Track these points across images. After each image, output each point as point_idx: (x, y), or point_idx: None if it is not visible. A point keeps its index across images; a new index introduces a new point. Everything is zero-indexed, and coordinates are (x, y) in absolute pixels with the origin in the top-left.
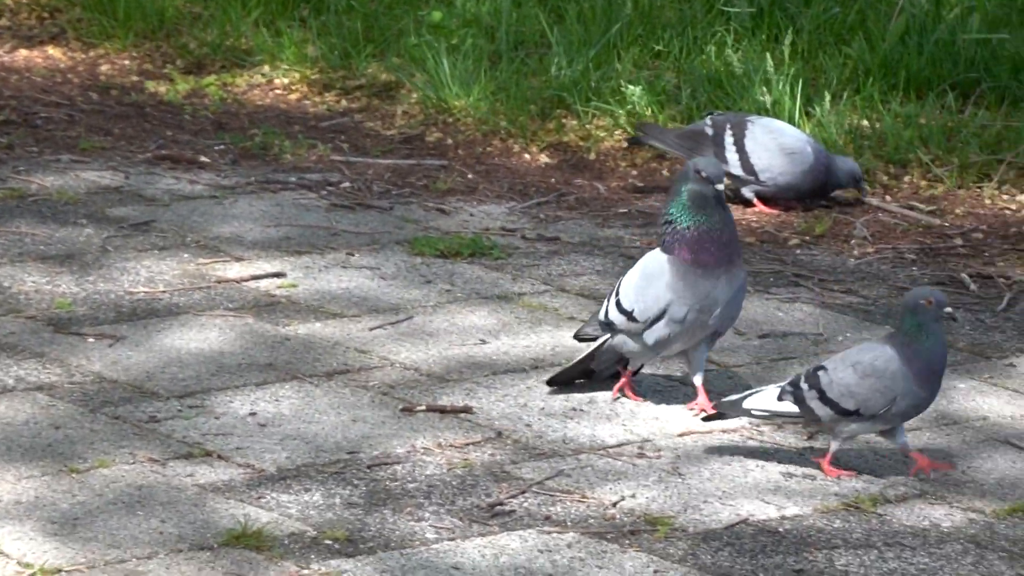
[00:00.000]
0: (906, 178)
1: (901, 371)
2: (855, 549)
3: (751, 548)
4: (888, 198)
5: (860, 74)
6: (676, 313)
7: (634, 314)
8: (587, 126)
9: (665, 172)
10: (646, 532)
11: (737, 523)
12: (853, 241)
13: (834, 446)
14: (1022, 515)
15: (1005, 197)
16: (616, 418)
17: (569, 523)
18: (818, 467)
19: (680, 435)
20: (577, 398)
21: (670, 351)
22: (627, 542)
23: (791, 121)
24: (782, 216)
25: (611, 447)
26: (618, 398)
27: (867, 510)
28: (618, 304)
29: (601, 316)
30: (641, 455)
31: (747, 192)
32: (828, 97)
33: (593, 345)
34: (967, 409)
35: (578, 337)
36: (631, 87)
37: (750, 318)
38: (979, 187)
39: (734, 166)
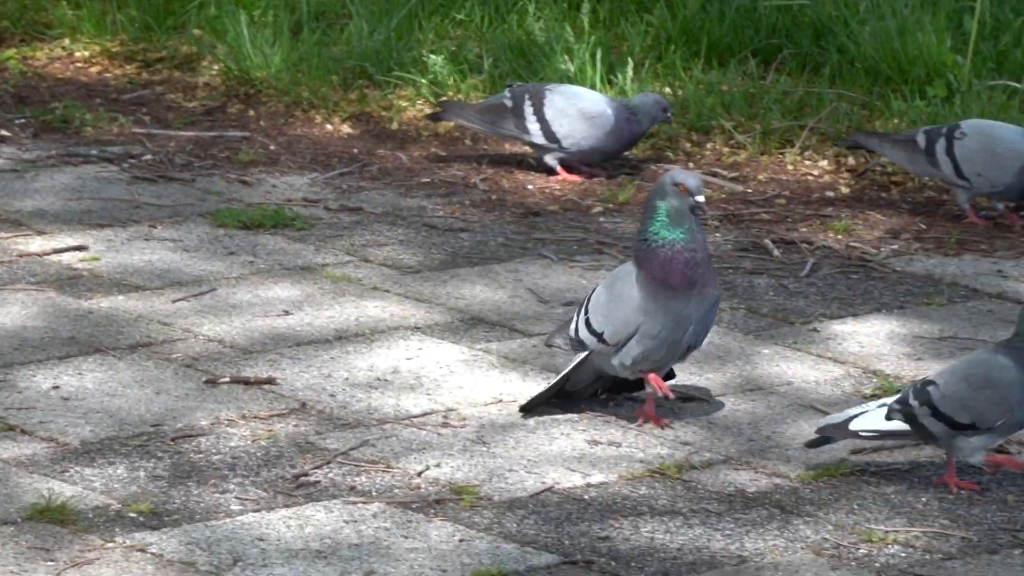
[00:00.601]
0: (709, 145)
1: (1018, 380)
2: (661, 516)
3: (556, 516)
4: (691, 165)
5: (662, 42)
6: (649, 331)
7: (604, 336)
8: (389, 96)
9: (467, 142)
10: (451, 501)
11: (542, 491)
12: None
13: (955, 459)
14: (827, 480)
15: (807, 163)
16: (420, 388)
17: (374, 493)
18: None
19: (485, 404)
20: (381, 367)
21: (652, 366)
22: (432, 511)
23: (593, 89)
24: (585, 184)
25: (416, 417)
26: (643, 425)
27: (672, 477)
28: (587, 323)
29: (571, 332)
30: (446, 424)
31: (550, 160)
32: (630, 65)
33: (571, 364)
34: (771, 375)
35: (549, 344)
36: (433, 57)
37: (553, 287)
38: (781, 153)
39: (536, 135)
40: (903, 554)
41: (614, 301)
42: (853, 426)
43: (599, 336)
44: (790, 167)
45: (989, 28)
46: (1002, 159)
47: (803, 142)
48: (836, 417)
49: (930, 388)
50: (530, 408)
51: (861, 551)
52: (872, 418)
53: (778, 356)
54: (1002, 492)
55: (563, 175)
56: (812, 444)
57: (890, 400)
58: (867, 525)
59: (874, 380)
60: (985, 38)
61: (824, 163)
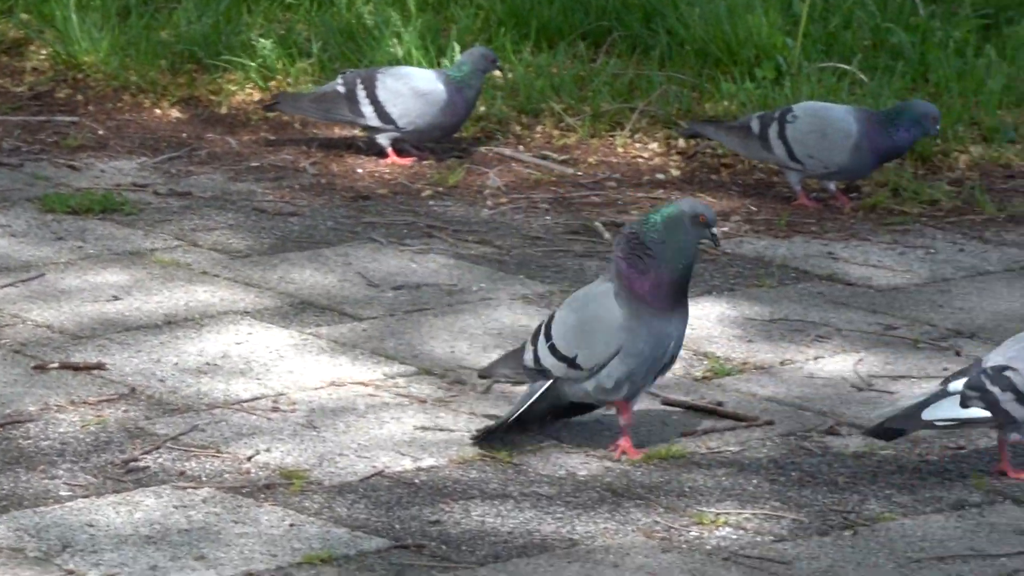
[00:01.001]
0: (539, 128)
1: None
2: (491, 499)
3: (387, 500)
4: (521, 148)
5: (491, 24)
6: (632, 350)
7: (577, 360)
8: (218, 80)
9: (297, 126)
10: (281, 486)
11: (373, 475)
12: (486, 191)
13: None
14: (657, 461)
15: (637, 145)
16: (250, 373)
17: (204, 478)
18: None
19: (315, 389)
20: (210, 351)
21: (629, 391)
22: (263, 496)
23: None
24: (415, 168)
25: (245, 401)
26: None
27: (503, 460)
28: (552, 349)
29: (528, 361)
30: (276, 409)
31: (383, 140)
32: (458, 48)
33: (533, 394)
34: None
35: (485, 375)
36: (262, 41)
37: (384, 270)
38: (611, 136)
39: (371, 118)
40: (734, 536)
41: (590, 322)
42: (927, 416)
43: (570, 361)
44: (620, 150)
45: (819, 10)
46: (833, 140)
47: (633, 125)
48: (894, 408)
49: (1008, 373)
50: (483, 439)
51: (692, 533)
52: (947, 407)
53: None
54: (832, 474)
55: (393, 159)
56: (880, 436)
57: (957, 387)
58: (698, 508)
59: (705, 362)
60: (815, 20)
61: (654, 146)
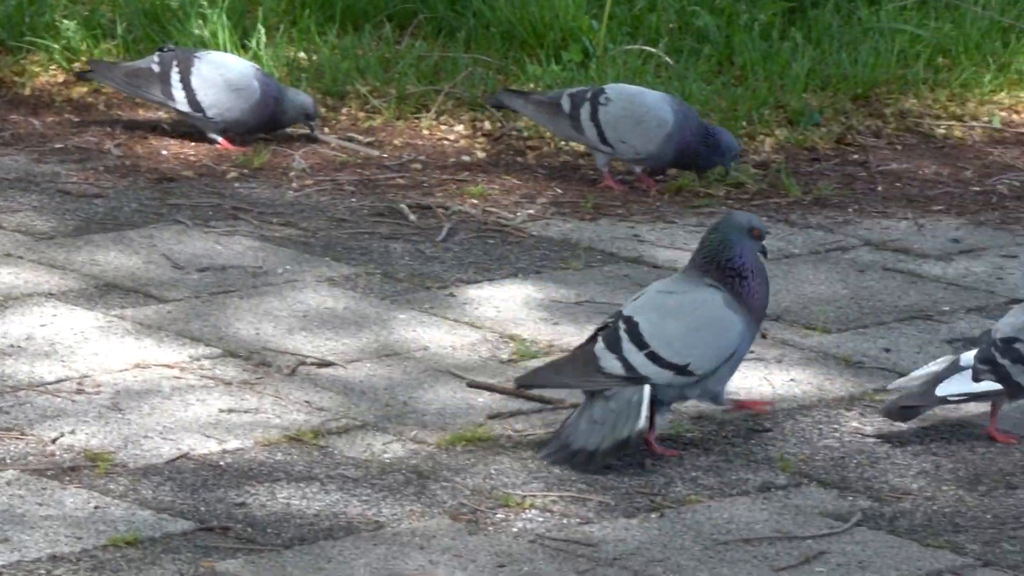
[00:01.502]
0: (344, 110)
1: None
2: (297, 481)
3: (192, 482)
4: (327, 130)
5: (296, 6)
6: (741, 354)
7: (689, 367)
8: (21, 62)
9: (102, 107)
10: (86, 468)
11: (178, 458)
12: (292, 174)
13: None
14: (464, 444)
15: (443, 127)
16: (55, 355)
17: (8, 461)
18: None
19: (120, 371)
20: (14, 333)
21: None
22: (67, 479)
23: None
24: (218, 148)
25: (50, 384)
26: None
27: (309, 442)
28: (653, 356)
29: (615, 370)
30: (80, 391)
31: (204, 128)
32: (263, 30)
33: (642, 404)
34: (408, 340)
35: (527, 385)
36: (66, 22)
37: (189, 252)
38: (417, 118)
39: (181, 103)
40: (540, 519)
41: (705, 328)
42: (940, 392)
43: (679, 368)
44: (426, 132)
45: None
46: (647, 127)
47: (439, 107)
48: (908, 387)
49: (1018, 345)
50: (597, 463)
51: (498, 516)
52: (958, 382)
53: (415, 321)
54: (639, 456)
55: (224, 145)
56: (897, 416)
57: (968, 360)
58: (504, 490)
59: (511, 344)
60: (620, 3)
61: (460, 128)
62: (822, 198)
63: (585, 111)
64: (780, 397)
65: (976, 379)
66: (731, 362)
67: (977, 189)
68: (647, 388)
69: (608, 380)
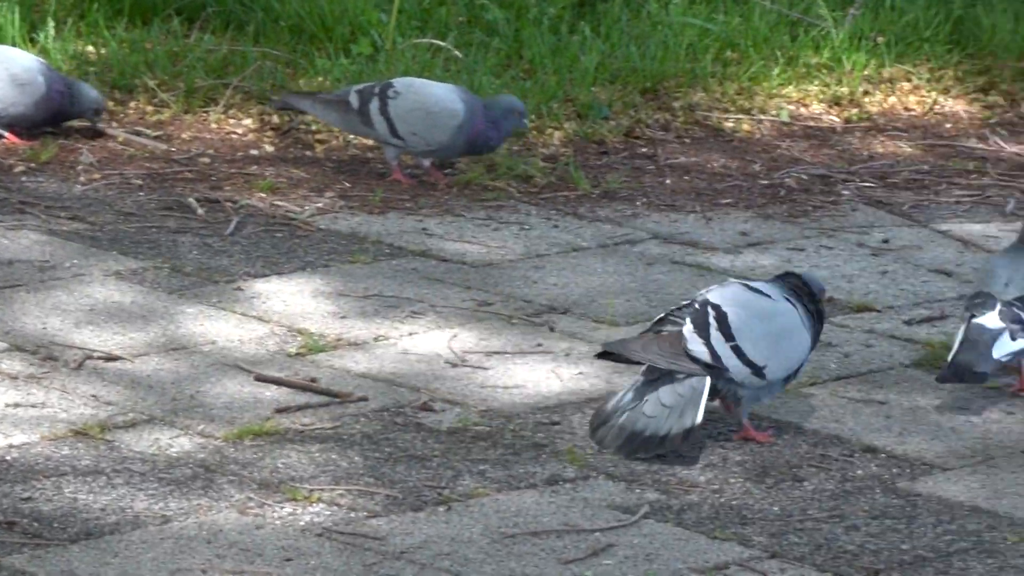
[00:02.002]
0: (132, 104)
1: None
2: (83, 476)
3: None
4: (115, 124)
5: (85, 0)
6: (799, 372)
7: (765, 370)
8: None
9: None
10: None
11: None
12: (79, 168)
13: None
14: (251, 438)
15: (231, 121)
16: None
17: None
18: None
19: None
20: None
21: None
22: None
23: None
24: (4, 142)
25: None
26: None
27: (96, 437)
28: (737, 351)
29: (700, 354)
30: None
31: None
32: (52, 24)
33: (702, 396)
34: (196, 334)
35: (611, 352)
36: None
37: None
38: (205, 112)
39: None
40: (328, 512)
41: (785, 337)
42: (997, 355)
43: (756, 368)
44: (214, 126)
45: None
46: (437, 118)
47: (227, 100)
48: (969, 354)
49: None
50: (649, 452)
51: (285, 510)
52: (1005, 344)
53: (202, 315)
54: (426, 450)
55: (11, 139)
56: (971, 379)
57: (997, 323)
58: (292, 484)
59: (299, 338)
60: None
61: (248, 122)
62: (611, 191)
63: (374, 106)
64: (568, 391)
65: (1013, 338)
66: (792, 376)
67: (765, 183)
68: (708, 379)
69: (692, 365)
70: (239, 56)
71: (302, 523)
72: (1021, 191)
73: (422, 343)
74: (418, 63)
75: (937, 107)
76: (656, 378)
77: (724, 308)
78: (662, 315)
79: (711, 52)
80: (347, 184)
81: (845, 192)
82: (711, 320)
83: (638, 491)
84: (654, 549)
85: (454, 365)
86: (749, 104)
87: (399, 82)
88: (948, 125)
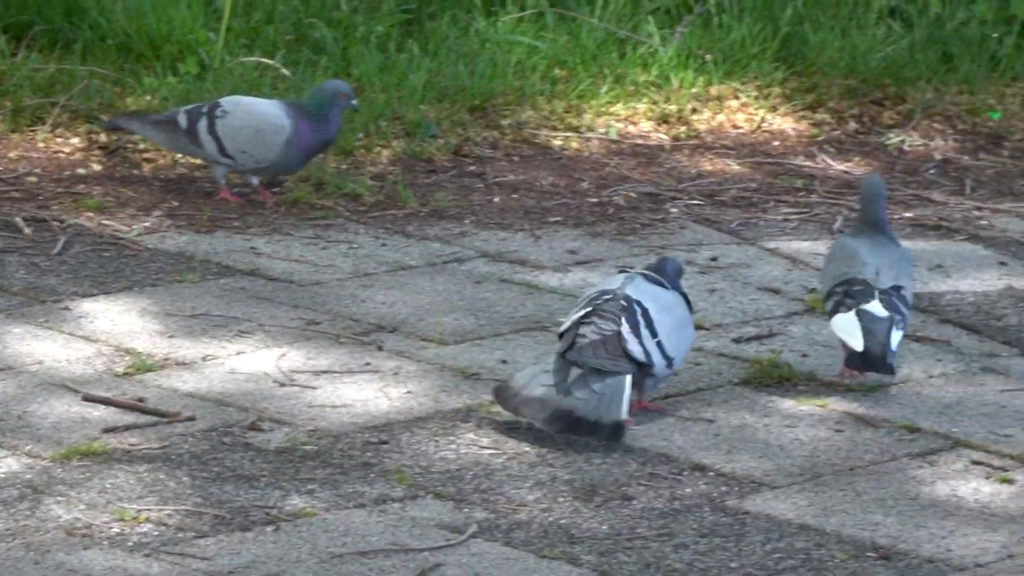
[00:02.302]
0: None
1: None
2: None
3: None
4: None
5: None
6: None
7: (674, 361)
8: None
9: None
10: None
11: None
12: None
13: None
14: (79, 458)
15: (59, 140)
16: None
17: None
18: None
19: None
20: None
21: None
22: None
23: None
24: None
25: None
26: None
27: None
28: (660, 347)
29: (637, 354)
30: None
31: None
32: None
33: (625, 391)
34: (22, 354)
35: (584, 363)
36: None
37: None
38: (33, 131)
39: None
40: (156, 532)
41: (683, 328)
42: (894, 348)
43: (670, 361)
44: (41, 144)
45: (241, 5)
46: (266, 135)
47: (55, 119)
48: (875, 344)
49: (904, 292)
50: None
51: (114, 530)
52: (893, 335)
53: (29, 335)
54: (254, 469)
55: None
56: (860, 368)
57: (879, 310)
58: (120, 504)
59: (126, 358)
60: (237, 15)
61: (76, 141)
62: (439, 210)
63: (203, 125)
64: (396, 410)
65: (897, 328)
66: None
67: (594, 200)
68: (631, 376)
69: (629, 364)
70: (66, 75)
71: (130, 543)
72: (848, 209)
73: (250, 362)
74: (246, 82)
75: (765, 125)
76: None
77: (646, 304)
78: (587, 309)
79: (539, 70)
80: (175, 203)
81: (673, 210)
82: (639, 319)
83: (466, 510)
84: (483, 568)
85: (282, 384)
86: (577, 122)
87: (226, 101)
88: (776, 143)
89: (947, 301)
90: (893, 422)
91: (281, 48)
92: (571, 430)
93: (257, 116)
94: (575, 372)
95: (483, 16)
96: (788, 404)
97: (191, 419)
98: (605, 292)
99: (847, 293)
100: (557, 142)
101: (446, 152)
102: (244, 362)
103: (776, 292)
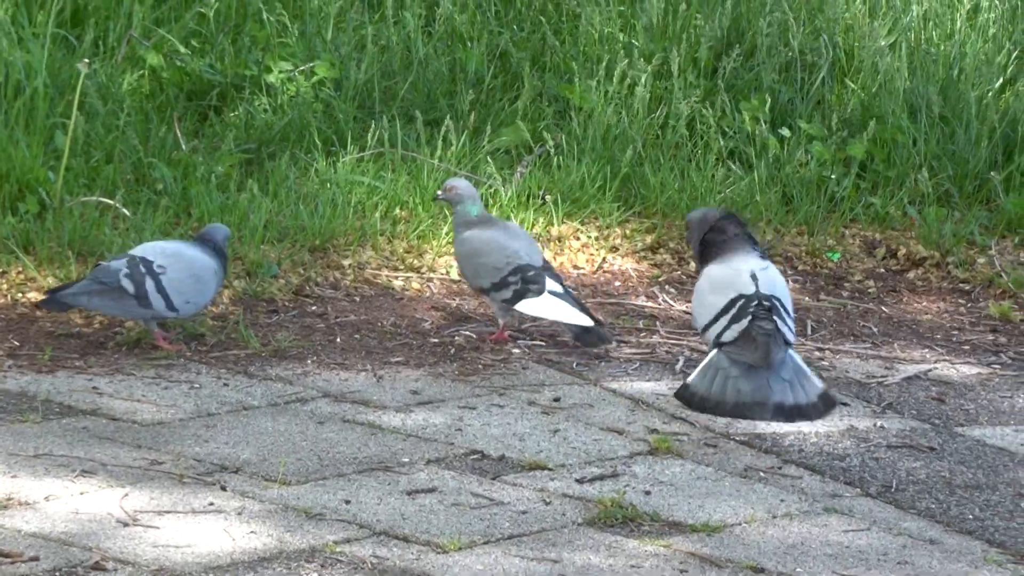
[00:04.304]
0: None
1: None
2: None
3: None
4: None
5: None
6: None
7: None
8: None
9: None
10: None
11: None
12: None
13: None
14: None
15: None
16: None
17: None
18: None
19: None
20: None
21: None
22: None
23: None
24: None
25: None
26: None
27: None
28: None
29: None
30: None
31: None
32: None
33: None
34: None
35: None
36: None
37: None
38: None
39: None
40: None
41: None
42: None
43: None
44: None
45: (81, 144)
46: (204, 281)
47: None
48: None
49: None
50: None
51: None
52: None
53: None
54: None
55: None
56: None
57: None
58: None
59: None
60: (77, 154)
61: None
62: (281, 350)
63: (150, 285)
64: (241, 550)
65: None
66: None
67: (435, 340)
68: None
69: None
70: None
71: None
72: (690, 349)
73: (93, 502)
74: (87, 221)
75: (606, 265)
76: None
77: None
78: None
79: (380, 210)
80: (16, 342)
81: (516, 350)
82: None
83: None
84: None
85: (126, 524)
86: (419, 262)
87: (155, 255)
88: (617, 283)
89: (790, 442)
90: (738, 562)
91: (121, 187)
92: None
93: (193, 264)
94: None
95: (323, 156)
96: (633, 544)
97: (35, 559)
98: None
99: (757, 314)
100: (398, 282)
101: (288, 292)
102: (87, 502)
103: (619, 432)
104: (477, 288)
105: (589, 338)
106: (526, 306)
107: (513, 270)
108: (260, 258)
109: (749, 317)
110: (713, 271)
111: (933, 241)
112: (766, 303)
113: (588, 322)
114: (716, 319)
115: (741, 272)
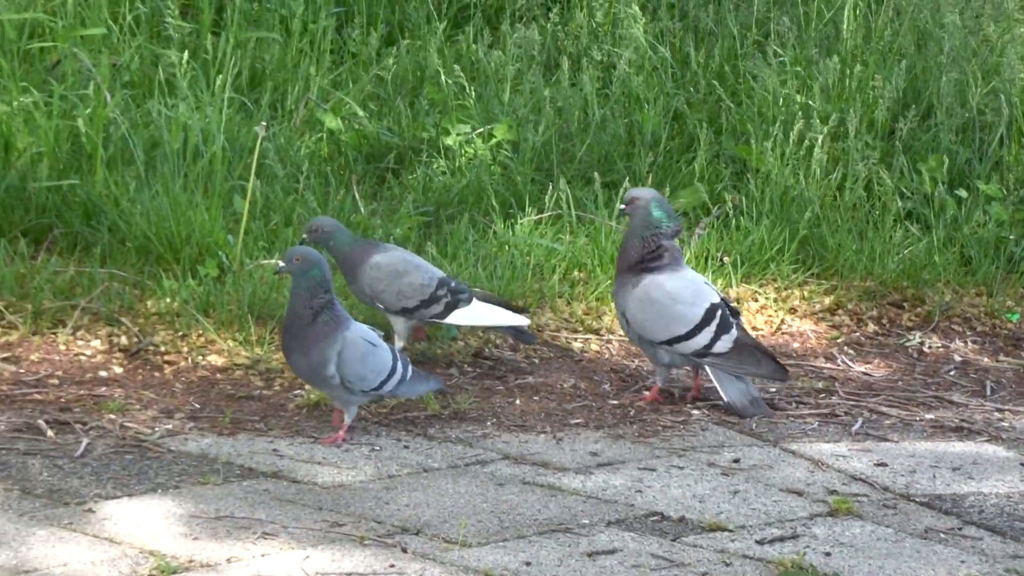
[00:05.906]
0: None
1: None
2: None
3: None
4: None
5: None
6: None
7: None
8: None
9: None
10: None
11: None
12: None
13: None
14: None
15: (80, 343)
16: None
17: None
18: None
19: None
20: None
21: None
22: None
23: None
24: None
25: None
26: None
27: None
28: None
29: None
30: None
31: None
32: None
33: None
34: (47, 556)
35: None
36: None
37: None
38: (54, 333)
39: None
40: None
41: None
42: None
43: None
44: (63, 347)
45: (260, 207)
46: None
47: (75, 322)
48: None
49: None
50: None
51: None
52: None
53: (53, 538)
54: None
55: None
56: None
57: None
58: None
59: (151, 560)
60: (256, 217)
61: (96, 343)
62: (461, 412)
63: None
64: None
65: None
66: None
67: (615, 402)
68: None
69: None
70: (86, 277)
71: None
72: (869, 410)
73: (275, 564)
74: (266, 284)
75: (785, 326)
76: None
77: None
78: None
79: (558, 272)
80: (197, 405)
81: (695, 412)
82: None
83: None
84: None
85: None
86: (597, 324)
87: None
88: (796, 345)
89: (970, 503)
90: None
91: None
92: None
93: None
94: None
95: (501, 218)
96: None
97: None
98: None
99: (734, 314)
100: (577, 344)
101: (467, 354)
102: (269, 564)
103: (799, 493)
104: (397, 310)
105: (525, 336)
106: (460, 316)
107: (438, 283)
108: None
109: (733, 326)
110: (664, 281)
111: None
112: (732, 306)
113: (523, 321)
114: (697, 330)
115: (697, 280)
